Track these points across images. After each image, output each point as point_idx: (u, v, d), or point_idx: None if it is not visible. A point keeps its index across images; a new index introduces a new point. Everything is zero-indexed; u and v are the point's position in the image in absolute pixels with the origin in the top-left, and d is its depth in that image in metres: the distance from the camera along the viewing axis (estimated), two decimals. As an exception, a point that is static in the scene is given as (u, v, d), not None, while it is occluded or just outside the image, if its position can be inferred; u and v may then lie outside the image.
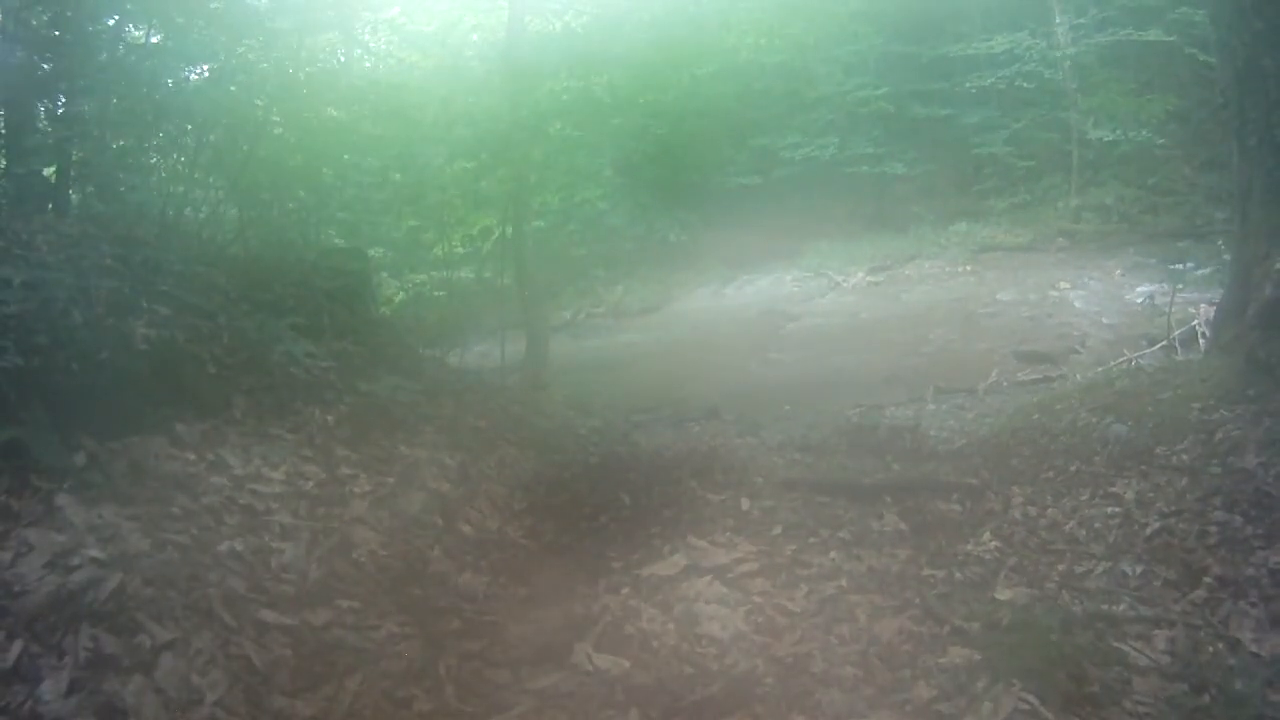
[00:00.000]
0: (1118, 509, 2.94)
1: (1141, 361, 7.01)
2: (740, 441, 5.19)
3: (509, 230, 7.68)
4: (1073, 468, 3.42)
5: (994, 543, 2.86)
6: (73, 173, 5.25)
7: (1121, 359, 6.93)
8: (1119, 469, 3.25)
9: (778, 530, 3.00)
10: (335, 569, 2.31)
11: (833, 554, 2.76)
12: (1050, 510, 3.07)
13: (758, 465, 3.96)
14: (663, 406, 6.98)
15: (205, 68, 5.72)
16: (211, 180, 5.56)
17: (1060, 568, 2.63)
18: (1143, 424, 3.58)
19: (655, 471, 3.81)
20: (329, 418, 3.09)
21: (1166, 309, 9.50)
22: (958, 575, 2.61)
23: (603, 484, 3.60)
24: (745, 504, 3.28)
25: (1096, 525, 2.86)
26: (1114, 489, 3.09)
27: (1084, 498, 3.10)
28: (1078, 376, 6.62)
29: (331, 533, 2.46)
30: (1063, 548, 2.78)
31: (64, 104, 5.13)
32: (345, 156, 6.05)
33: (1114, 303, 9.87)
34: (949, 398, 6.21)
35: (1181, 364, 5.06)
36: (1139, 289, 10.54)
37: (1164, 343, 7.18)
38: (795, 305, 12.02)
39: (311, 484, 2.67)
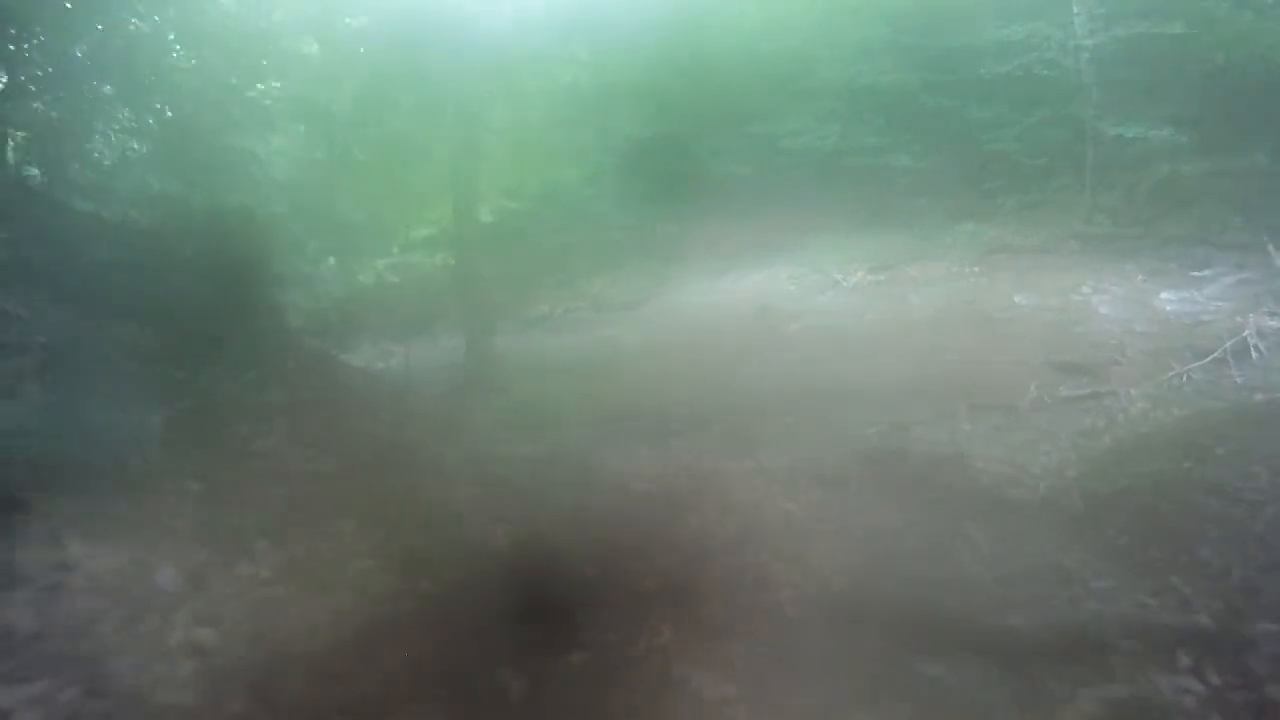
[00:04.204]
0: None
1: (1193, 375, 6.21)
2: (736, 467, 4.17)
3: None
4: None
5: None
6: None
7: (1173, 373, 6.08)
8: None
9: None
10: None
11: None
12: None
13: (772, 534, 2.64)
14: (641, 414, 5.94)
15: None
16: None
17: None
18: None
19: (600, 579, 2.19)
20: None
21: (1202, 317, 8.72)
22: None
23: (484, 629, 1.86)
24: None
25: None
26: None
27: None
28: (1131, 392, 5.68)
29: None
30: None
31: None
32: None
33: (1143, 309, 8.99)
34: (984, 416, 5.19)
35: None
36: (1163, 295, 9.77)
37: (1215, 355, 6.41)
38: (792, 304, 11.02)
39: None
